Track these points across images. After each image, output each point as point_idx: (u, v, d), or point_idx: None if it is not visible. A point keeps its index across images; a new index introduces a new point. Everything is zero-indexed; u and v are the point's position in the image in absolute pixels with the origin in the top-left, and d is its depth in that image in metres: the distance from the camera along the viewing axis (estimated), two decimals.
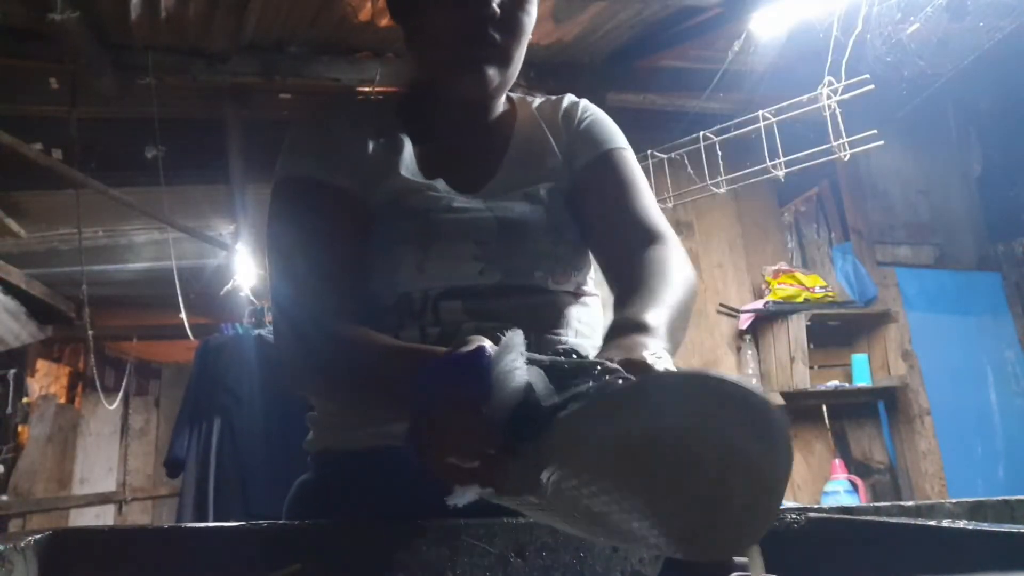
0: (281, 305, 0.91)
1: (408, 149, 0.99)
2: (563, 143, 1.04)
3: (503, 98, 1.06)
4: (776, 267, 3.82)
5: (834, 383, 3.70)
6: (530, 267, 0.93)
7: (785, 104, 3.13)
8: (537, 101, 1.09)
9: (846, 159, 3.06)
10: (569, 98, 1.09)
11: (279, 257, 0.94)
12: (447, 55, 0.94)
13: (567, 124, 1.05)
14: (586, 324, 0.99)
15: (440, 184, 0.96)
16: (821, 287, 3.74)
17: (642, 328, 0.74)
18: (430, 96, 1.01)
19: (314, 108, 1.04)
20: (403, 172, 0.96)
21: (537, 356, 0.60)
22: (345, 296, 0.89)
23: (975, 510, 0.82)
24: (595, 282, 1.03)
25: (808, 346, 3.57)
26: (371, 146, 0.97)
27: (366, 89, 3.34)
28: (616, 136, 1.04)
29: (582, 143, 1.03)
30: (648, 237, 0.93)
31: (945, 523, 0.65)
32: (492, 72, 0.93)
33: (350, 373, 0.84)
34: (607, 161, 1.01)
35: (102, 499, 5.34)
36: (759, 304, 3.72)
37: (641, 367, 0.63)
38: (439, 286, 0.91)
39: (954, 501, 0.84)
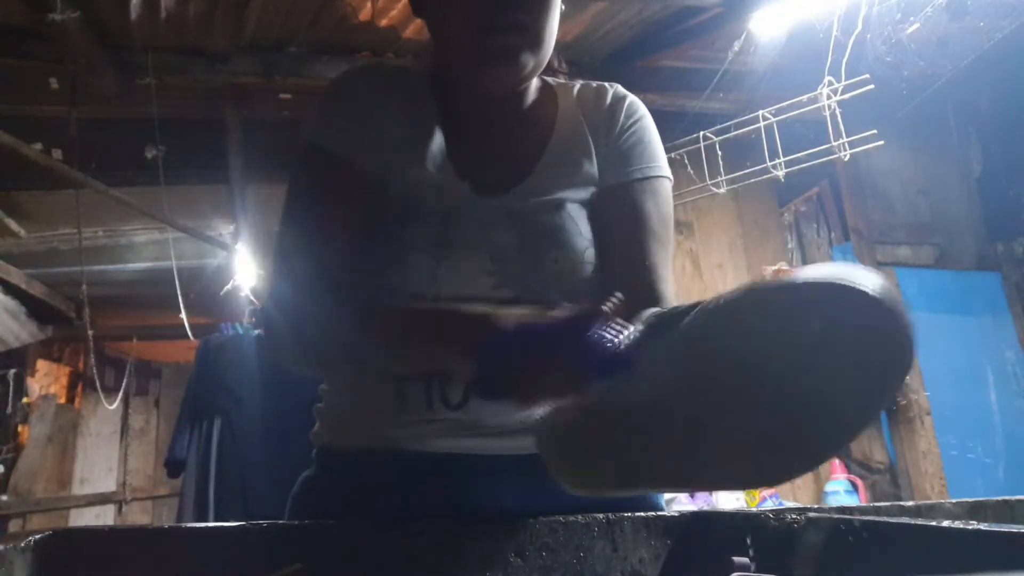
0: (289, 277, 0.88)
1: (438, 138, 0.94)
2: (601, 146, 0.97)
3: (538, 83, 0.99)
4: (776, 267, 3.82)
5: None
6: (545, 287, 0.89)
7: (785, 104, 3.13)
8: (577, 86, 1.02)
9: (846, 159, 3.06)
10: (615, 92, 1.01)
11: (293, 224, 0.91)
12: (471, 47, 0.87)
13: (609, 126, 0.98)
14: None
15: (466, 185, 0.92)
16: None
17: None
18: (459, 85, 0.95)
19: (352, 70, 0.98)
20: (429, 166, 0.92)
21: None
22: (351, 277, 0.88)
23: (975, 510, 0.82)
24: None
25: None
26: (401, 130, 0.93)
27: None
28: (655, 157, 0.97)
29: (618, 158, 0.96)
30: (648, 299, 0.89)
31: (945, 523, 0.64)
32: (526, 58, 0.87)
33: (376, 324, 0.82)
34: (633, 192, 0.95)
35: (102, 499, 5.34)
36: None
37: None
38: (449, 294, 0.88)
39: (954, 501, 0.83)
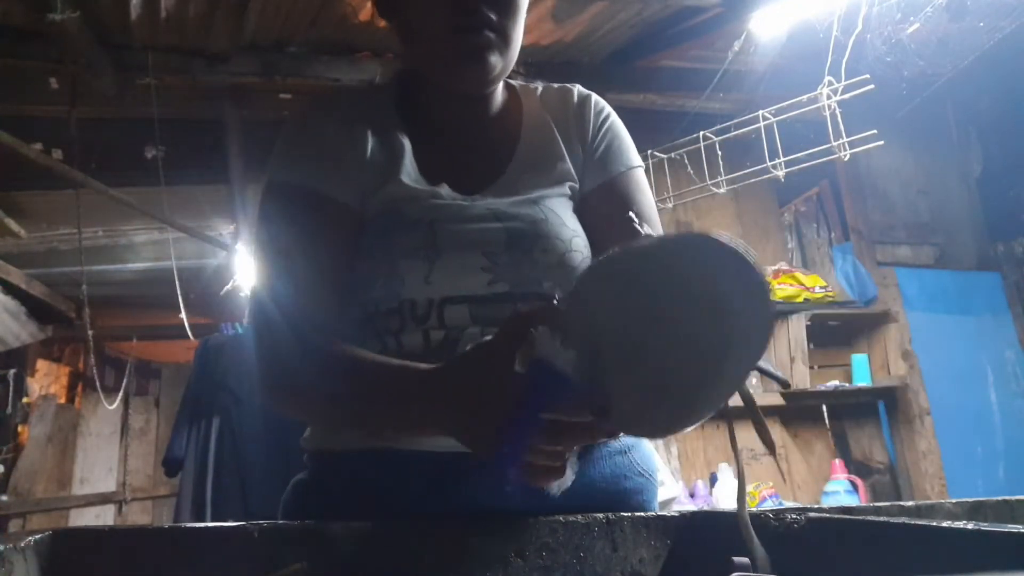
0: (265, 316, 0.89)
1: (408, 150, 0.95)
2: (575, 148, 1.00)
3: (502, 85, 1.01)
4: (776, 267, 3.82)
5: (834, 383, 3.70)
6: (539, 278, 0.91)
7: (785, 104, 3.13)
8: (539, 88, 1.05)
9: (846, 159, 3.06)
10: (579, 92, 1.04)
11: (266, 268, 0.91)
12: (442, 46, 0.90)
13: (579, 126, 1.01)
14: None
15: (444, 189, 0.93)
16: (821, 287, 3.74)
17: None
18: (427, 89, 0.97)
19: (307, 104, 1.00)
20: (404, 178, 0.93)
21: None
22: (331, 312, 0.88)
23: (975, 510, 0.82)
24: None
25: (808, 346, 3.57)
26: (369, 148, 0.94)
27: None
28: (629, 152, 1.01)
29: (598, 160, 1.00)
30: None
31: (945, 523, 0.64)
32: (494, 59, 0.90)
33: (340, 389, 0.83)
34: (617, 186, 0.99)
35: (102, 499, 5.34)
36: None
37: None
38: (445, 294, 0.88)
39: (954, 501, 0.84)
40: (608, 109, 1.04)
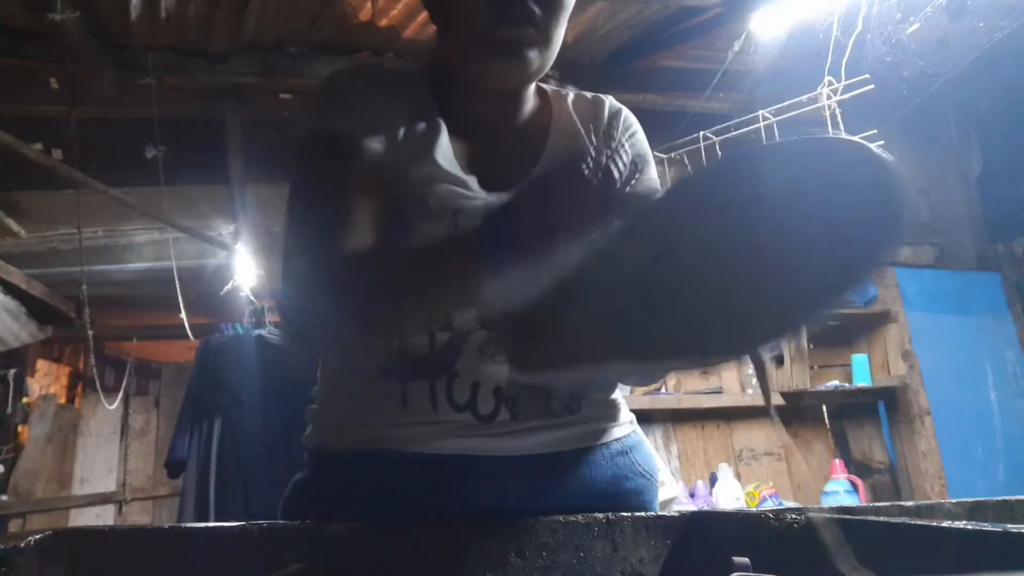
0: (297, 267, 0.84)
1: (444, 133, 0.92)
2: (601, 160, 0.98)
3: (534, 88, 0.99)
4: None
5: (834, 383, 3.70)
6: None
7: (785, 104, 3.13)
8: (571, 95, 1.02)
9: None
10: (610, 105, 1.02)
11: (300, 218, 0.87)
12: (482, 37, 0.86)
13: (607, 140, 1.00)
14: None
15: (472, 182, 0.90)
16: None
17: None
18: (457, 84, 0.94)
19: (346, 70, 0.96)
20: (439, 159, 0.90)
21: None
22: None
23: (975, 510, 0.82)
24: None
25: (808, 346, 3.57)
26: (406, 124, 0.91)
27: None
28: (648, 171, 1.01)
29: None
30: None
31: (945, 523, 0.65)
32: (533, 55, 0.87)
33: (365, 281, 0.79)
34: None
35: (102, 499, 5.33)
36: None
37: None
38: None
39: (954, 501, 0.84)
40: (636, 126, 1.03)
